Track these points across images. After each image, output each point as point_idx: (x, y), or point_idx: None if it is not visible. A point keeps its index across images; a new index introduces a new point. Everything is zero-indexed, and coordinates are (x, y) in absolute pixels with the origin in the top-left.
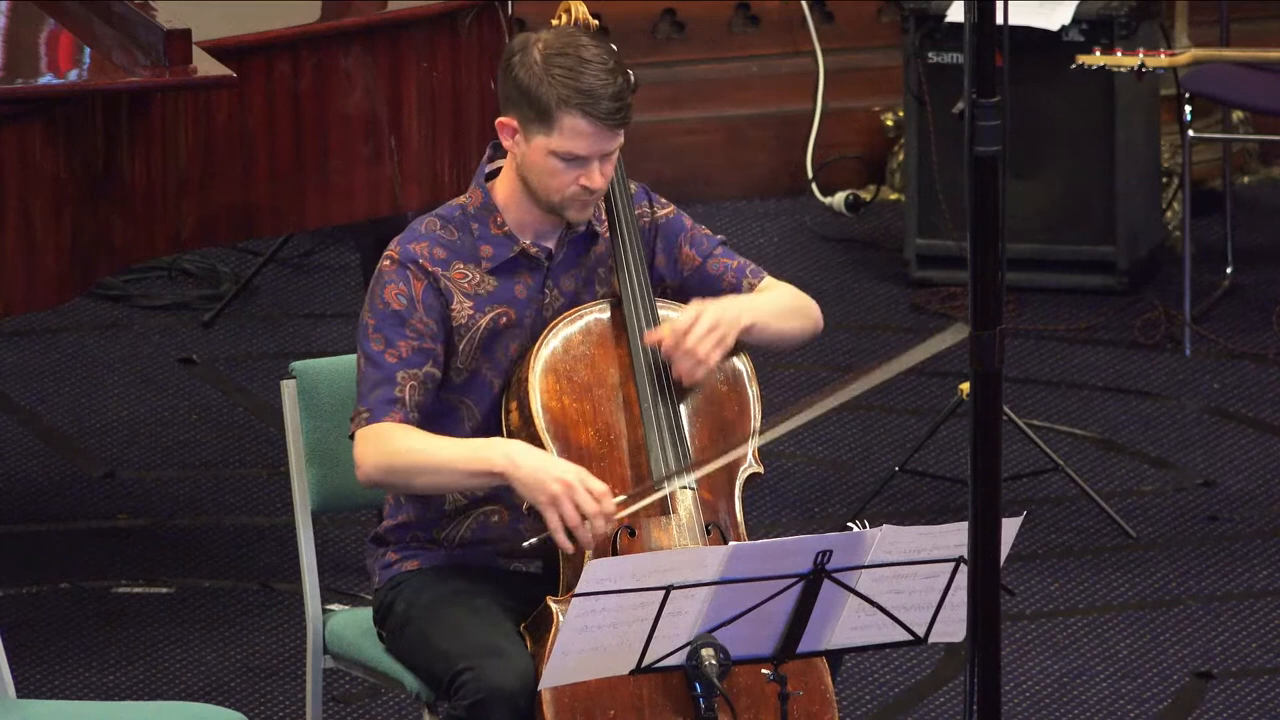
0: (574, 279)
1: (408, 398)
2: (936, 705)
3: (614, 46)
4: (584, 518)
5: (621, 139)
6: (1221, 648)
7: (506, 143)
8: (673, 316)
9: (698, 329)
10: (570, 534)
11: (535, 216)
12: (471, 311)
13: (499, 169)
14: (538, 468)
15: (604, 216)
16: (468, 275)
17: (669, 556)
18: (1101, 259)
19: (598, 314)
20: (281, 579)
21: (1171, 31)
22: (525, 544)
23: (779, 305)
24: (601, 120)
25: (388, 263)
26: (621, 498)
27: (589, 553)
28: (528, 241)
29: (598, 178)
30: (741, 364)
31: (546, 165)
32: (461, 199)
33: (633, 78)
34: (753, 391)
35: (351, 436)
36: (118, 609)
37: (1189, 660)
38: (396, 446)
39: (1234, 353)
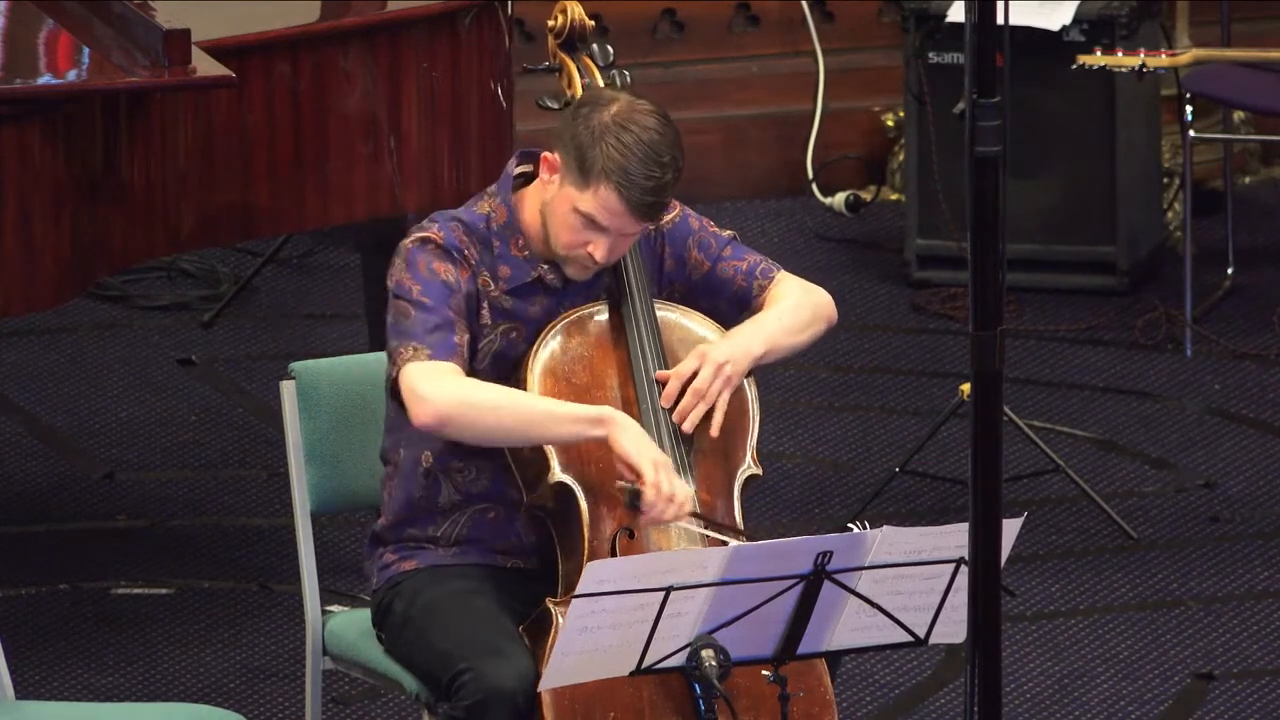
0: (587, 300)
1: (463, 351)
2: (937, 707)
3: (680, 137)
4: (671, 502)
5: (644, 228)
6: (1223, 649)
7: (545, 175)
8: (670, 319)
9: (703, 374)
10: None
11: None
12: (489, 320)
13: (524, 174)
14: (643, 436)
15: None
16: (490, 286)
17: (669, 557)
18: (1102, 259)
19: (596, 316)
20: (281, 580)
21: (1172, 31)
22: (620, 483)
23: (792, 320)
24: (632, 206)
25: (432, 245)
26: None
27: (587, 553)
28: (545, 268)
29: (604, 251)
30: None
31: (567, 218)
32: (485, 208)
33: (680, 168)
34: (752, 392)
35: (396, 374)
36: (117, 610)
37: (1190, 661)
38: (473, 387)
39: (1235, 353)
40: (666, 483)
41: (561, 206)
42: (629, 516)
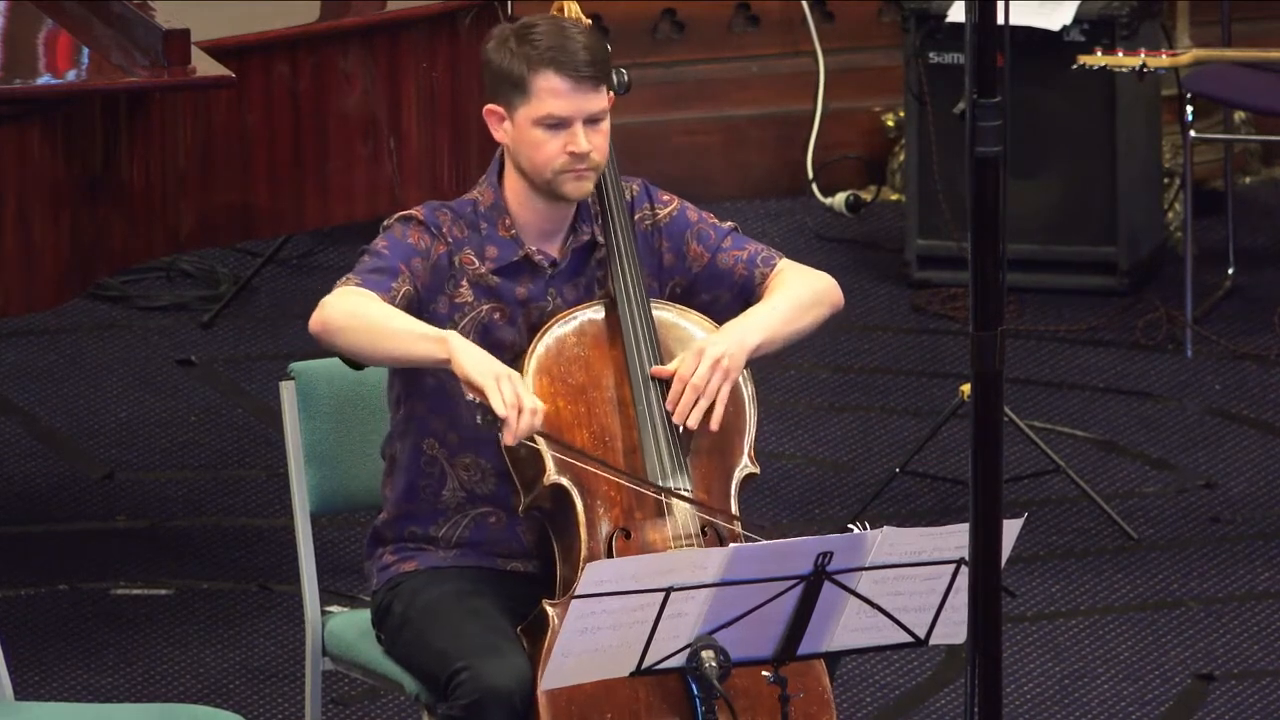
0: (577, 287)
1: (397, 297)
2: (937, 707)
3: (608, 45)
4: (519, 410)
5: (603, 103)
6: (1223, 649)
7: (497, 134)
8: (666, 319)
9: (700, 370)
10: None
11: (541, 217)
12: (471, 298)
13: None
14: (484, 354)
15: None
16: (474, 264)
17: (669, 558)
18: (1103, 260)
19: (592, 315)
20: (280, 580)
21: (1173, 31)
22: (472, 398)
23: (788, 307)
24: (575, 75)
25: (413, 220)
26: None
27: (584, 554)
28: (533, 248)
29: (582, 141)
30: None
31: (532, 137)
32: (474, 194)
33: (604, 41)
34: (748, 391)
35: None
36: (116, 610)
37: (1191, 662)
38: (367, 307)
39: (1235, 354)
40: (511, 392)
41: (523, 132)
42: (622, 518)
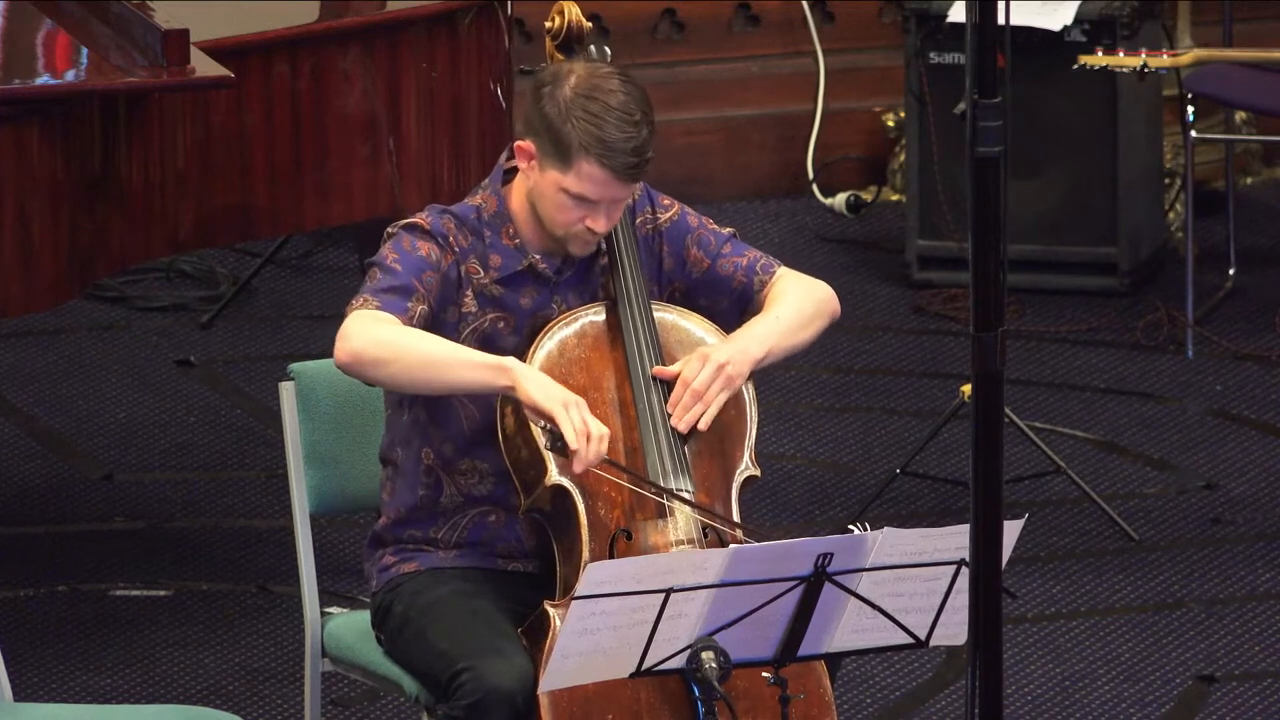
0: (582, 295)
1: (414, 317)
2: (938, 709)
3: (646, 93)
4: (589, 438)
5: (634, 190)
6: (1224, 651)
7: (522, 165)
8: (668, 320)
9: (704, 375)
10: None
11: (543, 236)
12: (475, 308)
13: (516, 166)
14: (547, 379)
15: None
16: (479, 273)
17: (669, 559)
18: (1103, 260)
19: (593, 317)
20: (280, 582)
21: (1174, 31)
22: (543, 425)
23: (791, 318)
24: (617, 173)
25: (420, 229)
26: (623, 466)
27: (585, 555)
28: (536, 256)
29: (603, 222)
30: None
31: (556, 199)
32: (477, 200)
33: (652, 121)
34: (749, 394)
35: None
36: (115, 612)
37: (1191, 664)
38: (395, 330)
39: (1237, 354)
40: (579, 419)
41: (548, 190)
42: (623, 519)
